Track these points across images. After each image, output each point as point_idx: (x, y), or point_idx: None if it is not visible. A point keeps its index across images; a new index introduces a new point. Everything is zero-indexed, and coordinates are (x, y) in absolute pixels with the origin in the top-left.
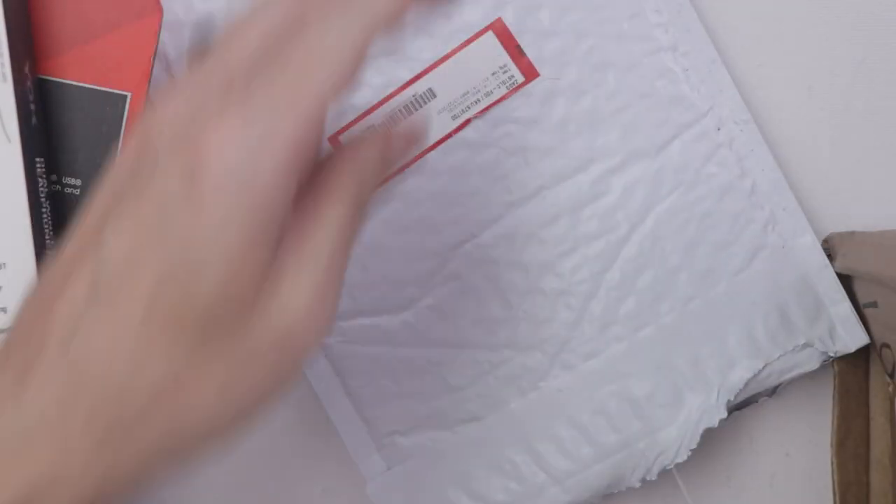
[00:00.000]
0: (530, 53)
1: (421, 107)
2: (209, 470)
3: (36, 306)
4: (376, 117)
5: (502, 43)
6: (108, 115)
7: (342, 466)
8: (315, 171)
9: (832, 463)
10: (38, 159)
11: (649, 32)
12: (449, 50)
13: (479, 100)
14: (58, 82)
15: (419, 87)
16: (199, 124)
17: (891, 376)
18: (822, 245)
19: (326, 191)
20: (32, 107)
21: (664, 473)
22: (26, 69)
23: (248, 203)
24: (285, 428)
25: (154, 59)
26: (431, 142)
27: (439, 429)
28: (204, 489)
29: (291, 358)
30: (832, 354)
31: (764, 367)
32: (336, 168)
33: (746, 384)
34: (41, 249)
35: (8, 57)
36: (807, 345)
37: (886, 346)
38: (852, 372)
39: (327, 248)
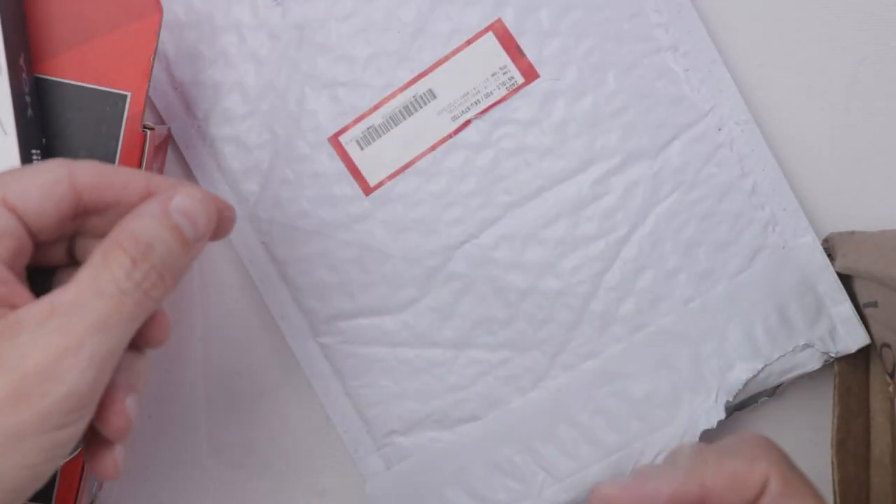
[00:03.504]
0: (530, 54)
1: (421, 107)
2: (209, 470)
3: None
4: (376, 118)
5: (502, 44)
6: (108, 114)
7: (342, 466)
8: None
9: (832, 463)
10: (34, 151)
11: (649, 33)
12: (449, 51)
13: (479, 101)
14: (58, 82)
15: (419, 87)
16: None
17: (891, 376)
18: (822, 245)
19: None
20: (28, 99)
21: None
22: (21, 61)
23: None
24: (285, 428)
25: (154, 59)
26: (432, 142)
27: (439, 429)
28: (204, 489)
29: None
30: (833, 355)
31: (763, 368)
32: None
33: (746, 385)
34: None
35: (2, 49)
36: (807, 345)
37: (886, 346)
38: (852, 372)
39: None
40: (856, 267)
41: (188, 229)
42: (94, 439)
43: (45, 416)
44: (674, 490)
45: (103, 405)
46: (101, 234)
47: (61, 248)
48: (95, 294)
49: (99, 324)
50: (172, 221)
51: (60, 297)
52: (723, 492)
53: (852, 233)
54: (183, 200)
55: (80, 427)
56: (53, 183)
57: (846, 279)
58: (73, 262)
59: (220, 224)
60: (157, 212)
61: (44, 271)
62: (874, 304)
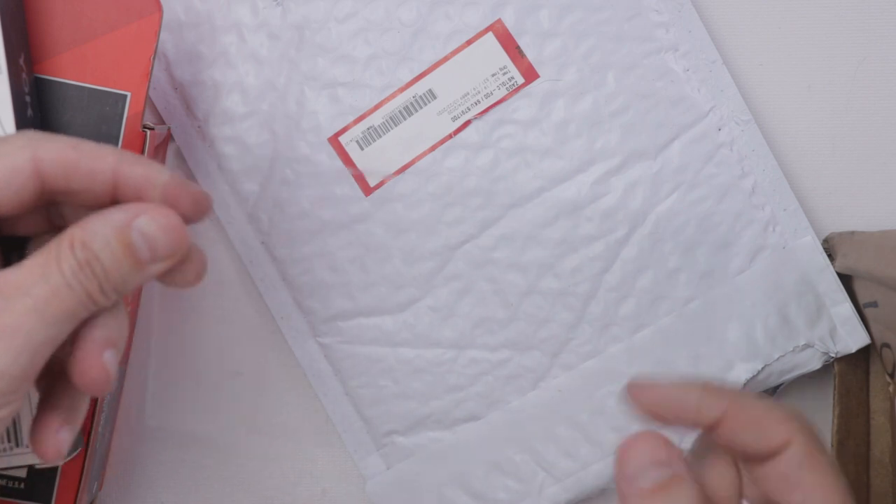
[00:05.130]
0: (530, 54)
1: (421, 108)
2: (209, 470)
3: None
4: (376, 118)
5: (502, 44)
6: (108, 114)
7: (342, 466)
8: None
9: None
10: None
11: (650, 33)
12: (449, 51)
13: (479, 101)
14: (58, 82)
15: (419, 88)
16: None
17: (891, 376)
18: (822, 245)
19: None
20: (28, 99)
21: None
22: (21, 61)
23: None
24: (285, 428)
25: (154, 58)
26: (432, 143)
27: (439, 428)
28: (204, 490)
29: None
30: (833, 355)
31: (763, 368)
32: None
33: (745, 385)
34: None
35: (2, 49)
36: (807, 345)
37: (886, 346)
38: (852, 372)
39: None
40: (856, 267)
41: (143, 252)
42: (43, 416)
43: None
44: (699, 400)
45: (81, 358)
46: (84, 204)
47: (37, 218)
48: (40, 280)
49: (38, 309)
50: (128, 239)
51: (5, 276)
52: (744, 425)
53: (852, 233)
54: (148, 225)
55: (4, 413)
56: (13, 171)
57: (846, 279)
58: (54, 228)
59: (195, 210)
60: (119, 224)
61: (19, 238)
62: (874, 304)
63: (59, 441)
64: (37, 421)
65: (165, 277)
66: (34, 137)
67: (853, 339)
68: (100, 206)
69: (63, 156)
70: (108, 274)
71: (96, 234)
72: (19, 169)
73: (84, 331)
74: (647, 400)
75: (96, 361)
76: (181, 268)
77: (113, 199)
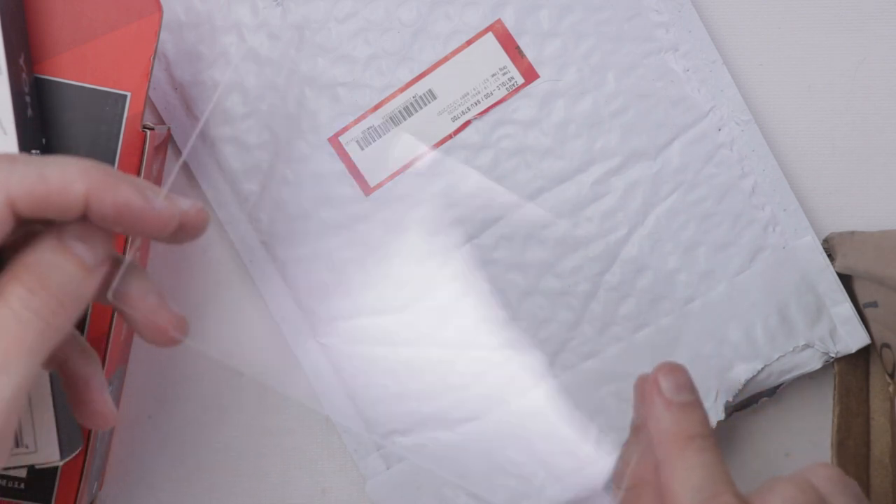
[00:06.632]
0: (530, 55)
1: (421, 108)
2: (210, 470)
3: None
4: (376, 118)
5: (502, 44)
6: (108, 114)
7: (342, 466)
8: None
9: (832, 463)
10: (34, 151)
11: (650, 33)
12: (449, 51)
13: (479, 101)
14: (58, 82)
15: (419, 88)
16: None
17: (891, 376)
18: (822, 245)
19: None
20: (28, 99)
21: None
22: (21, 61)
23: None
24: (285, 428)
25: (154, 58)
26: (432, 143)
27: (439, 428)
28: (204, 490)
29: None
30: (833, 355)
31: (763, 368)
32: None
33: (745, 385)
34: None
35: (2, 49)
36: (807, 346)
37: (886, 346)
38: (852, 372)
39: None
40: (856, 267)
41: (86, 254)
42: (79, 393)
43: None
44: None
45: (88, 407)
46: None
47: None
48: None
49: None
50: (67, 247)
51: None
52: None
53: (852, 233)
54: (76, 227)
55: None
56: None
57: (846, 279)
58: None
59: (192, 226)
60: (53, 241)
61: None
62: (874, 304)
63: (107, 404)
64: (79, 401)
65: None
66: (2, 170)
67: (853, 339)
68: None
69: (32, 190)
70: (62, 287)
71: (37, 257)
72: None
73: (78, 379)
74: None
75: (102, 406)
76: (182, 230)
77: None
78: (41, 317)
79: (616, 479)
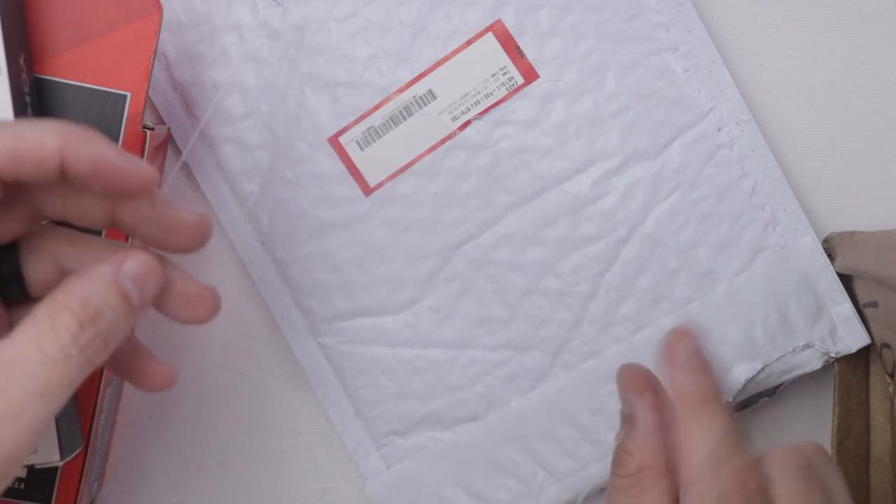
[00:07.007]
0: (530, 55)
1: (421, 108)
2: (209, 470)
3: None
4: (376, 118)
5: (502, 44)
6: (108, 114)
7: (342, 466)
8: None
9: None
10: None
11: (650, 33)
12: (449, 51)
13: (478, 101)
14: (58, 82)
15: (419, 88)
16: None
17: (891, 376)
18: (822, 245)
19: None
20: (28, 99)
21: None
22: (21, 61)
23: None
24: (286, 428)
25: (154, 58)
26: (432, 143)
27: (439, 428)
28: (204, 490)
29: None
30: (833, 355)
31: (763, 369)
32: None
33: (745, 385)
34: None
35: (2, 49)
36: (807, 346)
37: (886, 346)
38: (852, 372)
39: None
40: (856, 267)
41: (135, 296)
42: (134, 367)
43: None
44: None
45: (145, 372)
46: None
47: (12, 218)
48: (39, 358)
49: (41, 391)
50: (122, 288)
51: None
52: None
53: (852, 233)
54: (134, 266)
55: (2, 485)
56: None
57: (846, 279)
58: (37, 221)
59: (199, 234)
60: (109, 277)
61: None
62: (874, 304)
63: (163, 368)
64: (137, 375)
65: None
66: None
67: (853, 339)
68: (63, 192)
69: (5, 145)
70: (110, 327)
71: (93, 291)
72: None
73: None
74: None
75: (160, 367)
76: (192, 305)
77: (69, 179)
78: (86, 354)
79: (616, 465)
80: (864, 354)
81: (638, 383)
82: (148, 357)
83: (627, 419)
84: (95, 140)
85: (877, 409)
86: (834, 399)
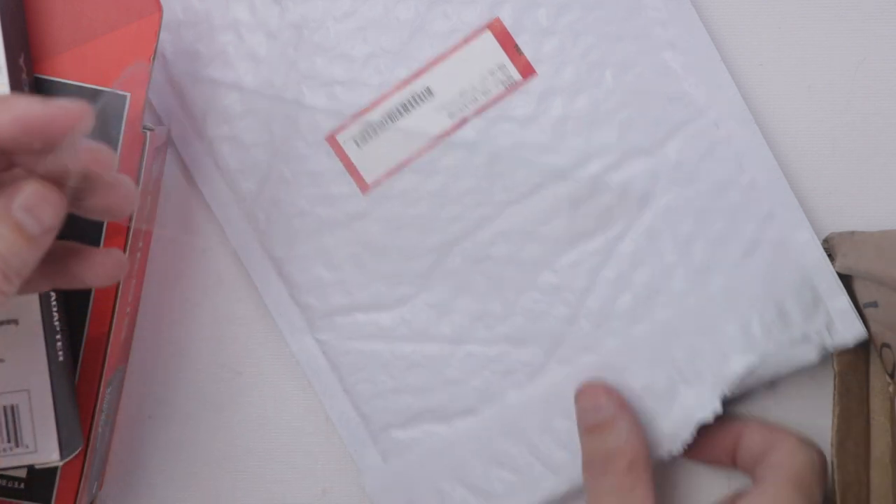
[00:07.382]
0: (528, 52)
1: (419, 106)
2: (209, 469)
3: None
4: (374, 116)
5: (500, 42)
6: (108, 114)
7: (342, 465)
8: None
9: (832, 463)
10: None
11: (648, 30)
12: (447, 49)
13: (476, 98)
14: (58, 82)
15: (417, 85)
16: None
17: (891, 376)
18: (822, 245)
19: None
20: None
21: (662, 470)
22: (21, 61)
23: None
24: (286, 428)
25: (154, 59)
26: (430, 141)
27: (436, 422)
28: (204, 490)
29: None
30: (830, 349)
31: (760, 362)
32: None
33: (742, 378)
34: None
35: (2, 49)
36: (804, 339)
37: (886, 345)
38: (852, 372)
39: None
40: (856, 267)
41: (32, 225)
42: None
43: None
44: None
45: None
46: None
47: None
48: None
49: None
50: (14, 220)
51: None
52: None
53: (852, 233)
54: (26, 197)
55: None
56: None
57: (846, 279)
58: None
59: (117, 204)
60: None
61: None
62: (874, 305)
63: (106, 259)
64: (83, 276)
65: (86, 208)
66: None
67: (850, 332)
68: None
69: None
70: (6, 260)
71: None
72: None
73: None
74: None
75: (103, 258)
76: (104, 198)
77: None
78: None
79: (605, 465)
80: (864, 355)
81: (601, 390)
82: (88, 253)
83: (600, 426)
84: (14, 99)
85: (877, 409)
86: (834, 399)
